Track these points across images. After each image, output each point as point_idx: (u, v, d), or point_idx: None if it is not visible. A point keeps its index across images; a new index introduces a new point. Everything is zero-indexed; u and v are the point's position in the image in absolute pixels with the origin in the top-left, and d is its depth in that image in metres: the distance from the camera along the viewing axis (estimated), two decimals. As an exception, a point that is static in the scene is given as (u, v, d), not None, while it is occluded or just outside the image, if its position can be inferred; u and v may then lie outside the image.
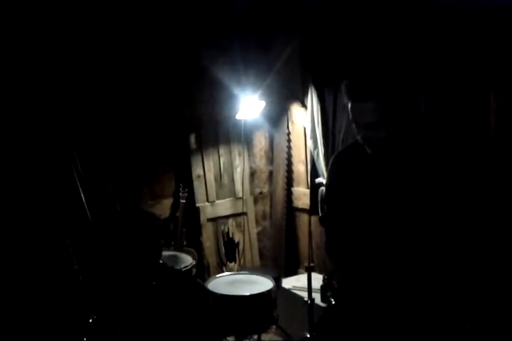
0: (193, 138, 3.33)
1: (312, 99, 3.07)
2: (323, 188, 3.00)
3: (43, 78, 2.68)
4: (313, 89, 3.06)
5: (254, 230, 3.60)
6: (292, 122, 3.45)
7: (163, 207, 3.27)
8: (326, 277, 2.65)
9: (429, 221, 1.31)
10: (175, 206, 3.29)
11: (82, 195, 2.42)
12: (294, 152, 3.49)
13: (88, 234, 2.55)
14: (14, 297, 2.27)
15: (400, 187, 1.34)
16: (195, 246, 3.25)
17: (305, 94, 3.16)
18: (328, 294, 2.61)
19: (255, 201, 3.64)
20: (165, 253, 2.96)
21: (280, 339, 2.92)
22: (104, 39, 2.90)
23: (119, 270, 1.65)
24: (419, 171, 1.33)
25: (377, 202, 1.36)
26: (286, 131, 3.48)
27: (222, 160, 3.47)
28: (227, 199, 3.48)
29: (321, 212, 2.95)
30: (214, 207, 3.42)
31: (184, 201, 3.20)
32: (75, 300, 2.24)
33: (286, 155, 3.50)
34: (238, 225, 3.52)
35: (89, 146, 2.91)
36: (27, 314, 2.24)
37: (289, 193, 3.52)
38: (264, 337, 2.86)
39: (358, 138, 1.36)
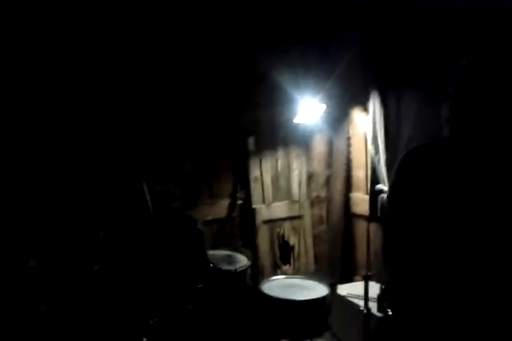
0: (251, 141, 3.37)
1: (374, 103, 3.00)
2: (383, 195, 2.92)
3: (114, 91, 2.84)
4: (375, 93, 2.99)
5: (310, 234, 3.57)
6: (353, 126, 3.39)
7: (221, 207, 3.34)
8: (383, 287, 2.58)
9: (505, 231, 1.23)
10: (232, 207, 3.34)
11: (147, 192, 2.53)
12: (353, 157, 3.43)
13: (150, 230, 2.65)
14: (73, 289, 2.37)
15: (473, 191, 1.26)
16: (251, 248, 3.28)
17: (367, 98, 3.09)
18: (385, 304, 2.54)
19: (312, 205, 3.61)
20: (221, 252, 3.05)
21: (333, 346, 2.88)
22: (169, 45, 3.01)
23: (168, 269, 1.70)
24: (498, 175, 1.25)
25: (447, 205, 1.29)
26: (347, 135, 3.43)
27: (279, 163, 3.48)
28: (283, 202, 3.49)
29: (380, 214, 2.87)
30: (270, 209, 3.44)
31: (241, 202, 3.25)
32: (137, 298, 2.31)
33: (345, 160, 3.44)
34: (294, 228, 3.51)
35: (155, 147, 3.04)
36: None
37: (347, 198, 3.46)
38: (317, 342, 2.84)
39: (445, 112, 1.30)
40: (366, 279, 2.41)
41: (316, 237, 3.62)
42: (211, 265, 2.38)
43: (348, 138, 3.43)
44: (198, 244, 1.75)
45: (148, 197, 2.28)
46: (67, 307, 2.03)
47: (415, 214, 1.36)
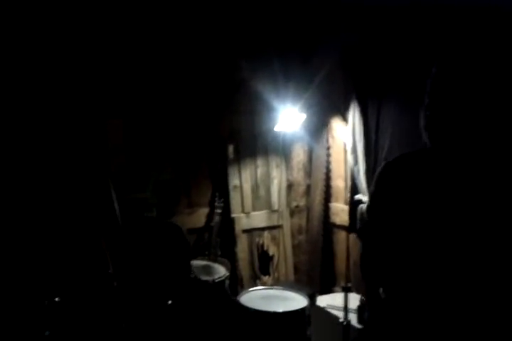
0: (231, 149, 3.33)
1: (354, 113, 3.00)
2: (362, 205, 2.92)
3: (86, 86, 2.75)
4: (355, 102, 3.00)
5: (289, 244, 3.54)
6: (332, 136, 3.39)
7: (199, 216, 3.28)
8: (363, 298, 2.55)
9: (485, 240, 1.22)
10: (210, 215, 3.29)
11: (115, 200, 2.44)
12: (333, 167, 3.42)
13: (118, 240, 2.55)
14: (50, 298, 2.27)
15: (452, 201, 1.25)
16: (229, 257, 3.22)
17: (347, 107, 3.10)
18: (365, 315, 2.52)
19: (291, 214, 3.59)
20: (199, 262, 2.99)
21: (312, 358, 2.83)
22: (149, 49, 2.96)
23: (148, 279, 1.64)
24: (476, 185, 1.24)
25: (425, 215, 1.28)
26: (326, 145, 3.43)
27: (259, 171, 3.45)
28: (262, 211, 3.45)
29: (359, 225, 2.86)
30: (249, 218, 3.39)
31: (220, 211, 3.20)
32: (108, 306, 2.23)
33: (325, 170, 3.44)
34: (273, 238, 3.48)
35: (129, 152, 2.96)
36: (64, 316, 2.24)
37: (326, 208, 3.45)
38: (295, 355, 2.79)
39: (422, 121, 1.29)
40: (346, 290, 2.38)
41: (295, 247, 3.59)
42: (192, 275, 2.31)
43: (328, 148, 3.43)
44: (183, 254, 1.68)
45: (117, 211, 2.18)
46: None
47: (394, 225, 1.34)
